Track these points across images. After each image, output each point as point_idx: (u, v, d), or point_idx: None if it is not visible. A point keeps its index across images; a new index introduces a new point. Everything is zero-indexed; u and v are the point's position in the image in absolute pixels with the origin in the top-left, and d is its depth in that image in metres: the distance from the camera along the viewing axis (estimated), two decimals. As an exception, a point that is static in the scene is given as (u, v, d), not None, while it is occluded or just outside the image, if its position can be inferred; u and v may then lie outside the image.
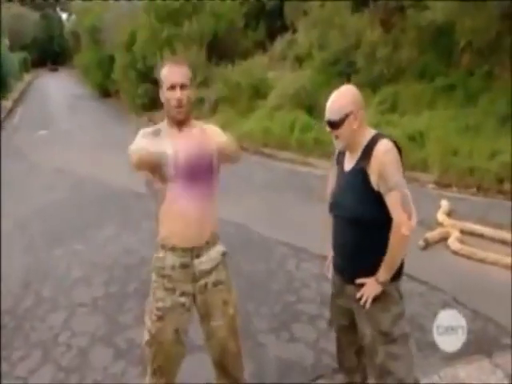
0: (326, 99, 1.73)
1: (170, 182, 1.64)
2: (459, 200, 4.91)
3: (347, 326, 1.84)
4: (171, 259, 1.70)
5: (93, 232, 4.59)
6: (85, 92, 21.85)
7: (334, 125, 1.66)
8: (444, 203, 4.55)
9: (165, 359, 1.75)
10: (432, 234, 3.87)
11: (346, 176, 1.72)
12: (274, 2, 13.30)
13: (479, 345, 2.54)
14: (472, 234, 3.99)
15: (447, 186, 5.38)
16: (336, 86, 1.77)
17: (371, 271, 1.65)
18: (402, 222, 1.54)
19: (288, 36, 12.07)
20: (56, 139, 10.32)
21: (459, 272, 3.43)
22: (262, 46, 12.46)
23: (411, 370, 1.71)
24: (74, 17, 31.97)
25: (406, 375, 1.69)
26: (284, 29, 12.59)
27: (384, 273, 1.63)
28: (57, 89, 24.58)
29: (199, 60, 11.67)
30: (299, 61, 10.45)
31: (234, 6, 12.72)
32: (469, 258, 3.60)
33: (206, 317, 1.78)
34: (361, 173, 1.62)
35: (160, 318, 1.70)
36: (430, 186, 5.51)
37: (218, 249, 1.79)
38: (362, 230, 1.64)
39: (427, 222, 4.12)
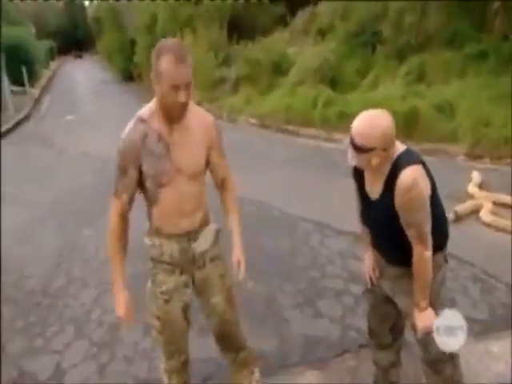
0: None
1: (165, 186, 1.58)
2: (491, 171, 4.71)
3: (384, 299, 1.82)
4: (169, 246, 1.68)
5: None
6: (108, 76, 22.12)
7: (355, 147, 1.54)
8: (475, 175, 4.37)
9: (179, 338, 1.78)
10: (463, 207, 3.74)
11: (371, 203, 1.65)
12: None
13: (512, 319, 2.45)
14: (504, 205, 3.83)
15: (478, 157, 5.15)
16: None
17: (406, 255, 1.61)
18: (421, 252, 1.54)
19: (309, 9, 11.68)
20: (82, 124, 10.52)
21: (491, 245, 3.31)
22: (283, 21, 12.12)
23: None
24: (95, 2, 32.14)
25: None
26: (305, 2, 12.17)
27: (421, 299, 1.59)
28: (82, 75, 25.00)
29: (220, 39, 11.52)
30: (321, 34, 10.12)
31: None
32: (501, 230, 3.46)
33: (204, 294, 1.79)
34: (387, 206, 1.55)
35: (167, 301, 1.72)
36: (460, 157, 5.30)
37: (212, 227, 1.78)
38: (393, 238, 1.63)
39: (457, 194, 3.98)
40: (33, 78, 16.68)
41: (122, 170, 1.57)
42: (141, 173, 1.58)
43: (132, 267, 3.61)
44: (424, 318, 1.59)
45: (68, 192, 5.56)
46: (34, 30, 23.51)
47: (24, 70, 14.17)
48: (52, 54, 35.68)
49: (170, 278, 1.71)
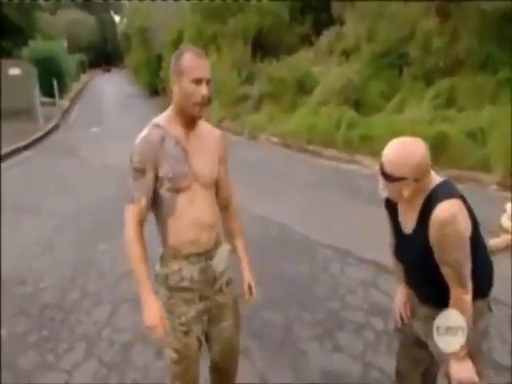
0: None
1: (183, 191, 1.54)
2: (525, 203, 4.45)
3: (415, 340, 1.68)
4: (188, 270, 1.60)
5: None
6: (135, 90, 22.67)
7: (385, 175, 1.44)
8: (509, 207, 4.13)
9: (194, 368, 1.72)
10: (496, 242, 3.53)
11: (404, 237, 1.54)
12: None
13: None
14: (541, 241, 3.60)
15: (512, 187, 4.92)
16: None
17: (442, 295, 1.48)
18: (459, 296, 1.41)
19: (335, 29, 11.71)
20: (107, 136, 10.72)
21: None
22: (307, 40, 12.19)
23: None
24: (125, 19, 33.35)
25: None
26: (331, 22, 12.22)
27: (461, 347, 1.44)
28: (109, 88, 25.73)
29: (244, 56, 11.65)
30: (346, 55, 10.09)
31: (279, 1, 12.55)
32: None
33: (215, 319, 1.71)
34: (421, 242, 1.43)
35: (186, 333, 1.63)
36: (492, 187, 5.08)
37: (225, 248, 1.73)
38: (428, 276, 1.50)
39: (489, 226, 3.75)
40: (63, 90, 17.23)
41: (140, 173, 1.53)
42: (156, 179, 1.54)
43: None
44: (461, 369, 1.43)
45: (89, 204, 5.59)
46: (66, 45, 24.44)
47: (55, 82, 14.65)
48: (83, 68, 36.95)
49: (189, 307, 1.63)
